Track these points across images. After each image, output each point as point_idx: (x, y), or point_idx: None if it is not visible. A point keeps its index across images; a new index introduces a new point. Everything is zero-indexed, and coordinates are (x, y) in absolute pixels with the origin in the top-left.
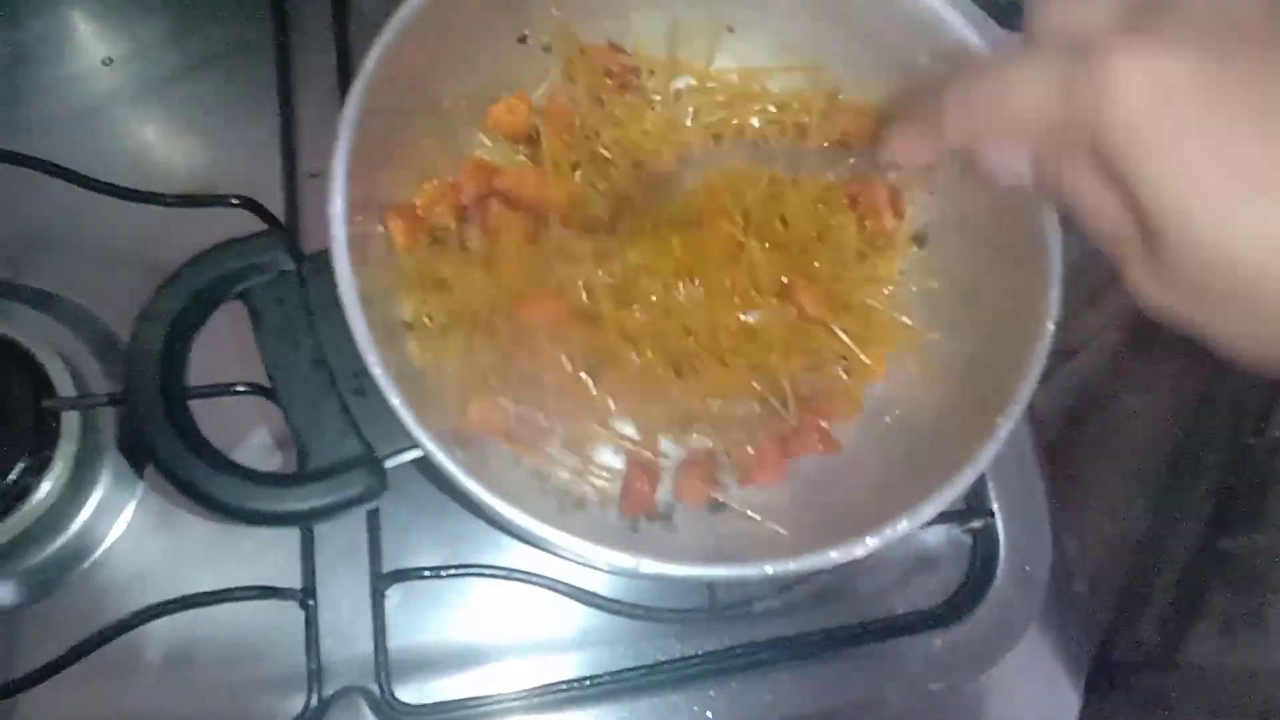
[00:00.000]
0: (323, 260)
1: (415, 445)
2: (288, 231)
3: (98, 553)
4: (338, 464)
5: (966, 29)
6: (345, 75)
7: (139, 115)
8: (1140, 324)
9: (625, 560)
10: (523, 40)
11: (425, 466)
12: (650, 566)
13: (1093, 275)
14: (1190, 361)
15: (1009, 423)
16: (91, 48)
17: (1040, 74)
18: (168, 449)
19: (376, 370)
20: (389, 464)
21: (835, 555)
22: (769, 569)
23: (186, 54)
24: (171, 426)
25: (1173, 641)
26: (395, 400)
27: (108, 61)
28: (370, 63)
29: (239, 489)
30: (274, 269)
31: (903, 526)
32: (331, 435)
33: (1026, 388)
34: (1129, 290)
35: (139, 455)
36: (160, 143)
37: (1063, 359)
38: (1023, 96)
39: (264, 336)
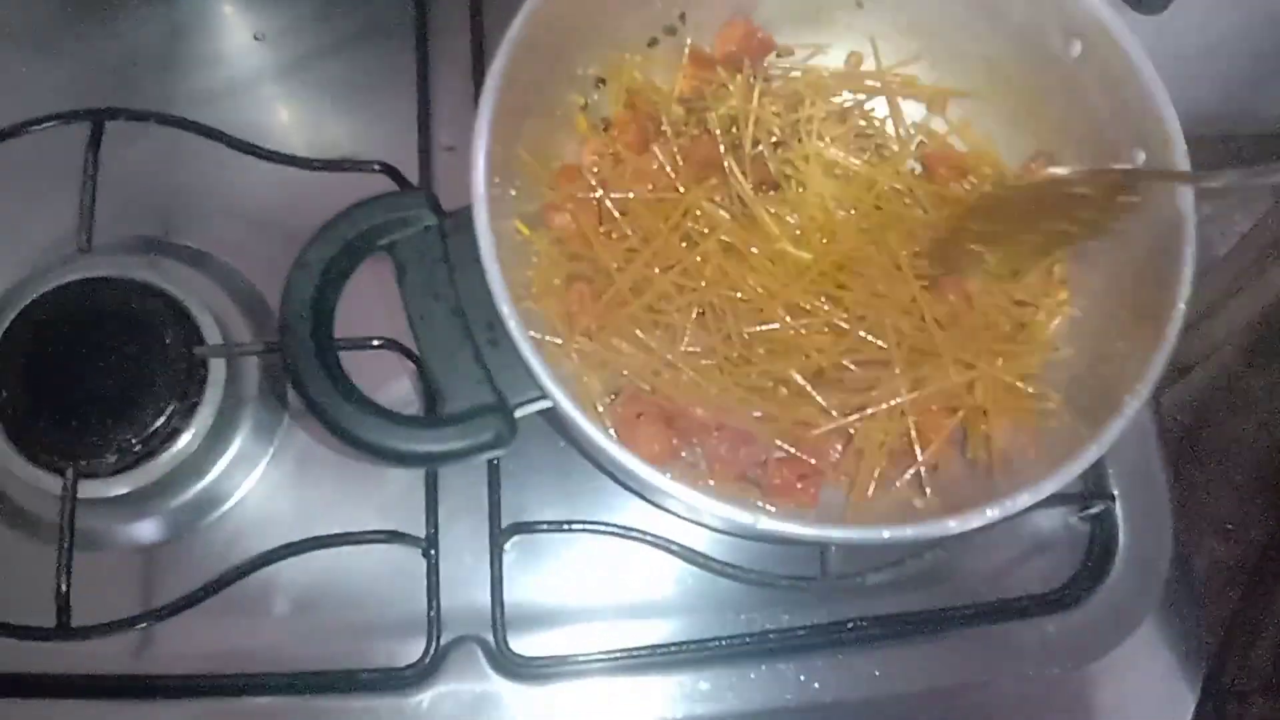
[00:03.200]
0: (463, 217)
1: (544, 395)
2: (424, 188)
3: (233, 499)
4: (471, 410)
5: (1100, 5)
6: (480, 54)
7: (286, 89)
8: (1257, 342)
9: (743, 516)
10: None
11: (551, 417)
12: (767, 524)
13: (1209, 288)
14: None
15: (1137, 401)
16: (243, 24)
17: None
18: (316, 386)
19: (511, 322)
20: (519, 413)
21: (954, 525)
22: (886, 534)
23: (331, 32)
24: (320, 366)
25: None
26: (527, 351)
27: (260, 37)
28: (515, 28)
29: (379, 428)
30: (418, 224)
31: (1023, 499)
32: (466, 383)
33: (1156, 367)
34: None
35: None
36: (305, 115)
37: (1177, 375)
38: None
39: (407, 288)
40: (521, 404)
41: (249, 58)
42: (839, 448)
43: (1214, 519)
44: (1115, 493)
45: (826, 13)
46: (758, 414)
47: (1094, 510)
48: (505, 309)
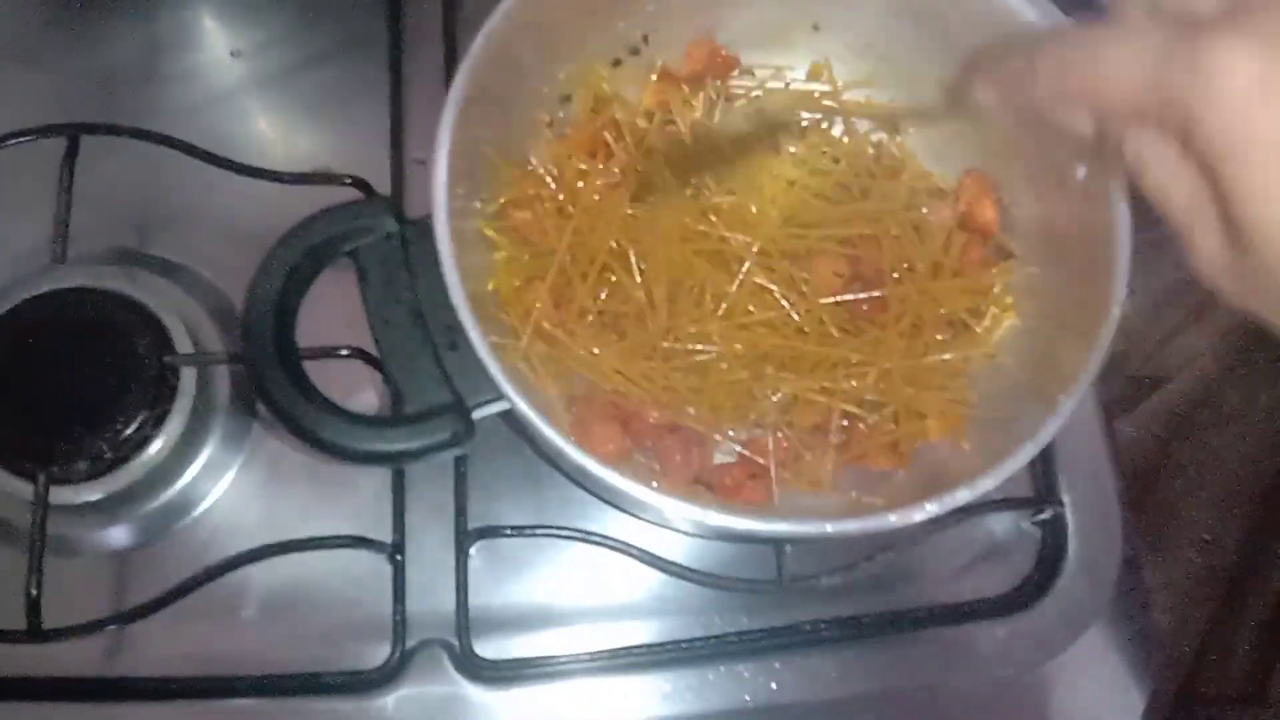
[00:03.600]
0: (424, 225)
1: (501, 397)
2: (393, 200)
3: (204, 505)
4: (429, 410)
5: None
6: (451, 71)
7: (262, 103)
8: (1234, 353)
9: (694, 512)
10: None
11: (511, 420)
12: (716, 518)
13: (1188, 299)
14: None
15: (1071, 401)
16: (221, 41)
17: (1138, 50)
18: (278, 389)
19: (469, 326)
20: (477, 414)
21: (894, 519)
22: (829, 528)
23: (306, 48)
24: (281, 368)
25: (1261, 677)
26: (484, 353)
27: (236, 53)
28: (476, 45)
29: (339, 428)
30: (380, 231)
31: (962, 495)
32: (425, 384)
33: (1092, 366)
34: (1192, 273)
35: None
36: (280, 129)
37: (1153, 387)
38: (1117, 69)
39: (369, 292)
40: (479, 405)
41: (226, 73)
42: (784, 445)
43: (1190, 529)
44: (1065, 499)
45: (786, 34)
46: (693, 410)
47: (1045, 515)
48: (463, 313)
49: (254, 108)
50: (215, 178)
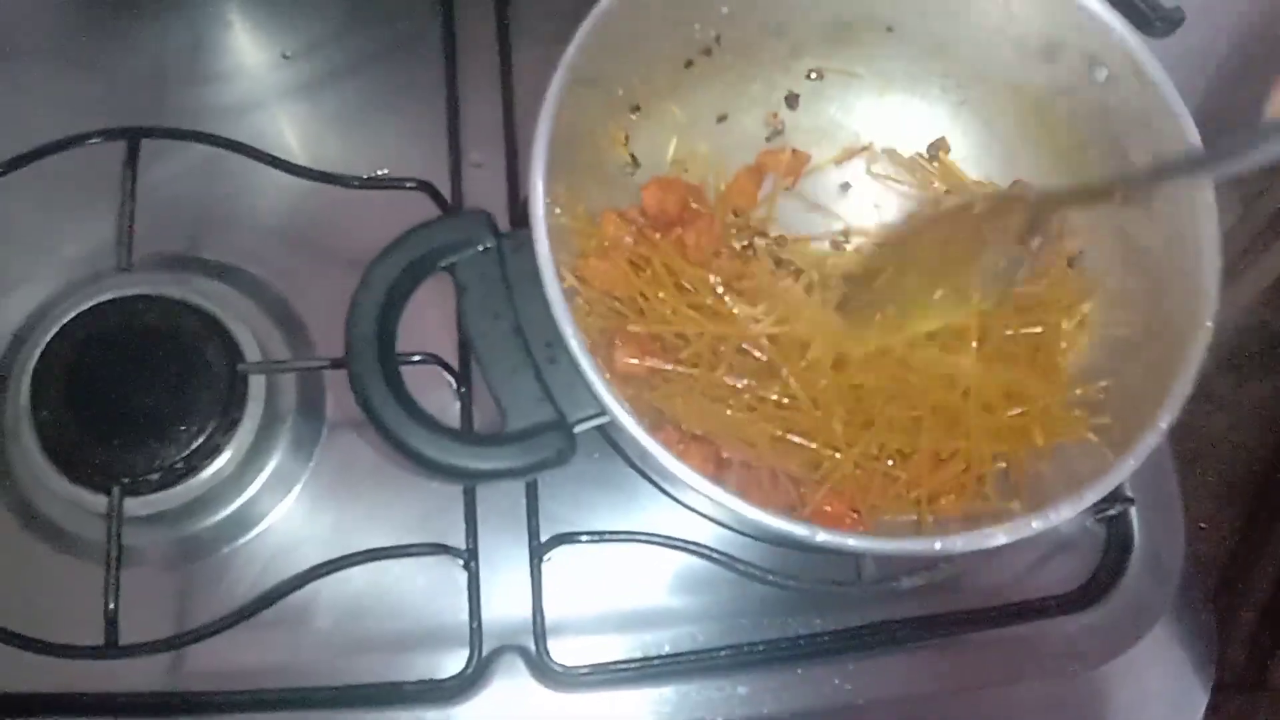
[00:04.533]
0: (520, 238)
1: (603, 412)
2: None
3: (273, 514)
4: (533, 427)
5: (1123, 30)
6: (508, 71)
7: (311, 106)
8: (1230, 346)
9: (800, 530)
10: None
11: (605, 432)
12: (825, 537)
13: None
14: (1277, 385)
15: (1170, 415)
16: (270, 43)
17: None
18: (384, 407)
19: (571, 339)
20: (578, 429)
21: (1002, 536)
22: (938, 545)
23: (356, 50)
24: (386, 387)
25: (1261, 663)
26: (587, 368)
27: (286, 56)
28: (570, 51)
29: (447, 448)
30: (477, 245)
31: (1065, 510)
32: (526, 401)
33: (1185, 382)
34: None
35: None
36: (331, 132)
37: None
38: None
39: (466, 307)
40: (581, 420)
41: (275, 75)
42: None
43: (1189, 518)
44: (1131, 495)
45: (855, 35)
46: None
47: (1111, 513)
48: (565, 328)
49: (304, 110)
50: (269, 181)
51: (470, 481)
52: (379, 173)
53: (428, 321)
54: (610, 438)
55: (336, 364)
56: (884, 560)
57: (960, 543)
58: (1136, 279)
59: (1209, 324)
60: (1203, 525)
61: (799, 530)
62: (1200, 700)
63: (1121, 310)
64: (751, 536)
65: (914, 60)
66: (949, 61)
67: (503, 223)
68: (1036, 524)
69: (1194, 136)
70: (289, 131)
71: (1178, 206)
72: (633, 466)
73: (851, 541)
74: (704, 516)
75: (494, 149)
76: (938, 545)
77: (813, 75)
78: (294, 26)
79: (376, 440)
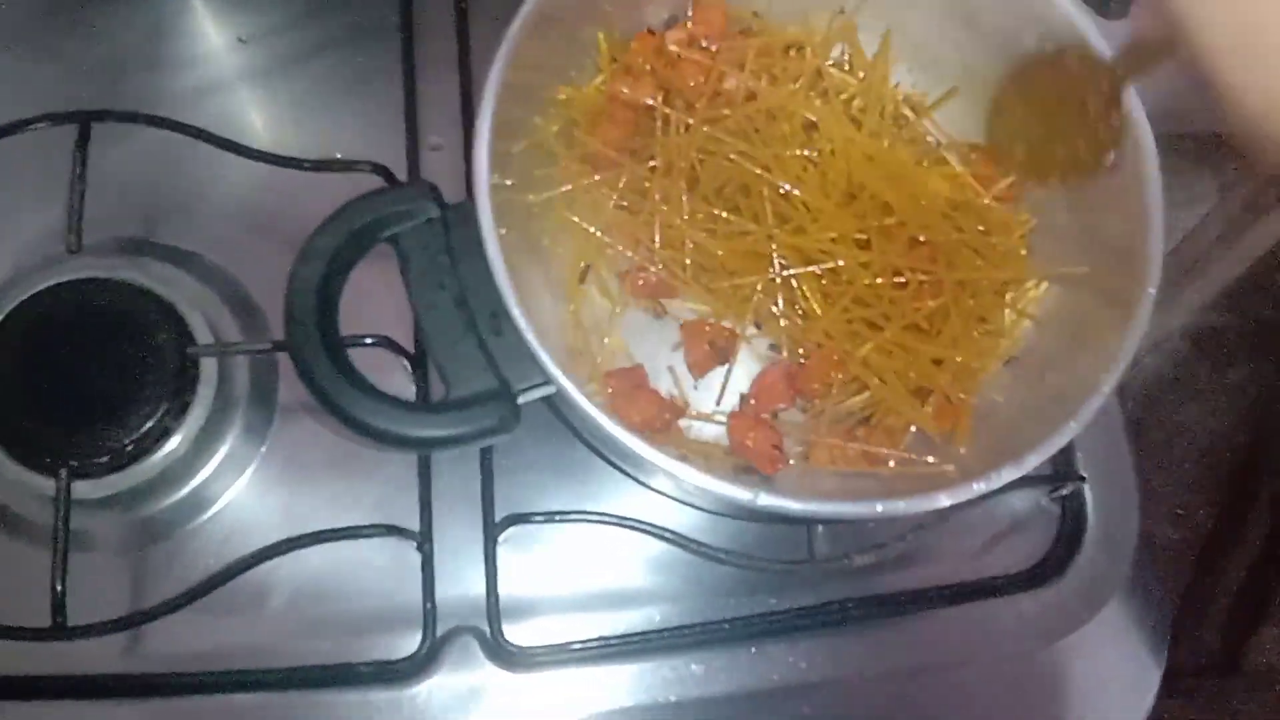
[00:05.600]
0: (464, 210)
1: (547, 381)
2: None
3: (226, 497)
4: (475, 396)
5: (1074, 10)
6: (466, 54)
7: (270, 90)
8: (1207, 333)
9: (743, 494)
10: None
11: (552, 404)
12: (767, 500)
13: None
14: (1254, 371)
15: (1113, 378)
16: (227, 26)
17: None
18: (324, 376)
19: (514, 309)
20: (522, 399)
21: (945, 499)
22: (880, 508)
23: (314, 34)
24: (326, 356)
25: (1235, 647)
26: (530, 337)
27: (243, 39)
28: (512, 30)
29: (388, 415)
30: (421, 216)
31: (1008, 473)
32: (470, 371)
33: (1129, 345)
34: None
35: None
36: (290, 115)
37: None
38: None
39: (411, 278)
40: (525, 390)
41: (233, 59)
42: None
43: (1163, 505)
44: (1084, 474)
45: (811, 19)
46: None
47: (1064, 491)
48: (508, 296)
49: (262, 94)
50: (225, 165)
51: (411, 449)
52: (337, 156)
53: (382, 305)
54: (559, 412)
55: (279, 346)
56: (836, 538)
57: (903, 505)
58: (1085, 253)
59: (1151, 290)
60: (1179, 511)
61: (741, 494)
62: (1154, 677)
63: (1070, 285)
64: (696, 507)
65: (868, 46)
66: (902, 45)
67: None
68: (979, 485)
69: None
70: (247, 116)
71: (1124, 177)
72: (582, 441)
73: (794, 505)
74: (655, 490)
75: (452, 131)
76: (879, 508)
77: None
78: (252, 10)
79: (330, 422)
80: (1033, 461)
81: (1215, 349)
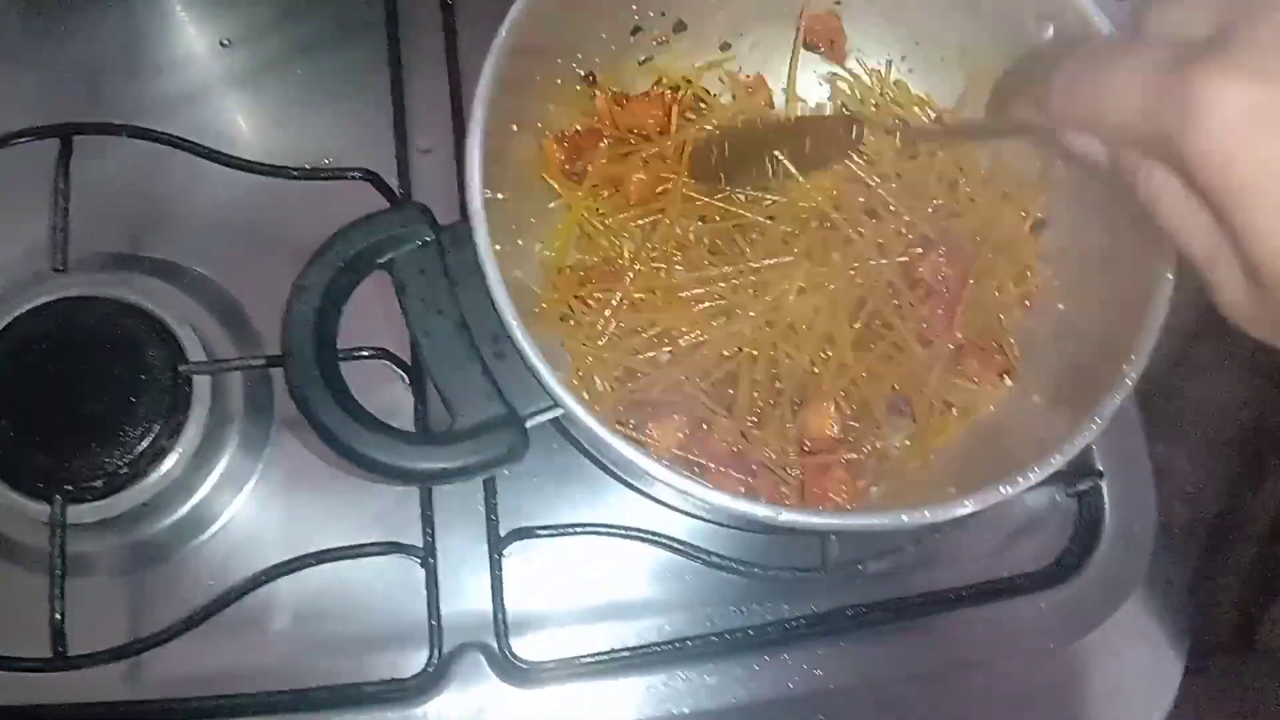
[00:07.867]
0: (460, 231)
1: (555, 404)
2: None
3: (224, 516)
4: (482, 424)
5: None
6: (454, 55)
7: (253, 95)
8: (1210, 308)
9: (763, 510)
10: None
11: (560, 425)
12: (789, 516)
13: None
14: (1263, 347)
15: (1135, 371)
16: (207, 30)
17: (1134, 73)
18: (325, 411)
19: (517, 332)
20: (530, 424)
21: (970, 505)
22: (905, 518)
23: (298, 37)
24: (327, 390)
25: (1249, 625)
26: (535, 360)
27: (225, 43)
28: (501, 37)
29: (393, 449)
30: (415, 240)
31: (1034, 474)
32: (475, 397)
33: (1149, 336)
34: (1217, 309)
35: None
36: (274, 121)
37: None
38: (1114, 92)
39: (409, 304)
40: (533, 414)
41: (215, 64)
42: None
43: (1172, 483)
44: (1101, 468)
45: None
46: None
47: (1081, 487)
48: (511, 320)
49: (246, 99)
50: (210, 173)
51: (419, 483)
52: (325, 162)
53: (377, 315)
54: (566, 430)
55: (273, 362)
56: (849, 545)
57: (928, 514)
58: (1096, 238)
59: (1170, 275)
60: (1189, 490)
61: (763, 511)
62: (1176, 671)
63: (1083, 275)
64: (714, 522)
65: (865, 34)
66: (897, 25)
67: (452, 209)
68: (1005, 489)
69: None
70: (231, 123)
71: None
72: (589, 457)
73: (817, 520)
74: (665, 505)
75: (442, 134)
76: (904, 518)
77: None
78: (233, 13)
79: None
80: (1058, 462)
81: (1220, 322)
